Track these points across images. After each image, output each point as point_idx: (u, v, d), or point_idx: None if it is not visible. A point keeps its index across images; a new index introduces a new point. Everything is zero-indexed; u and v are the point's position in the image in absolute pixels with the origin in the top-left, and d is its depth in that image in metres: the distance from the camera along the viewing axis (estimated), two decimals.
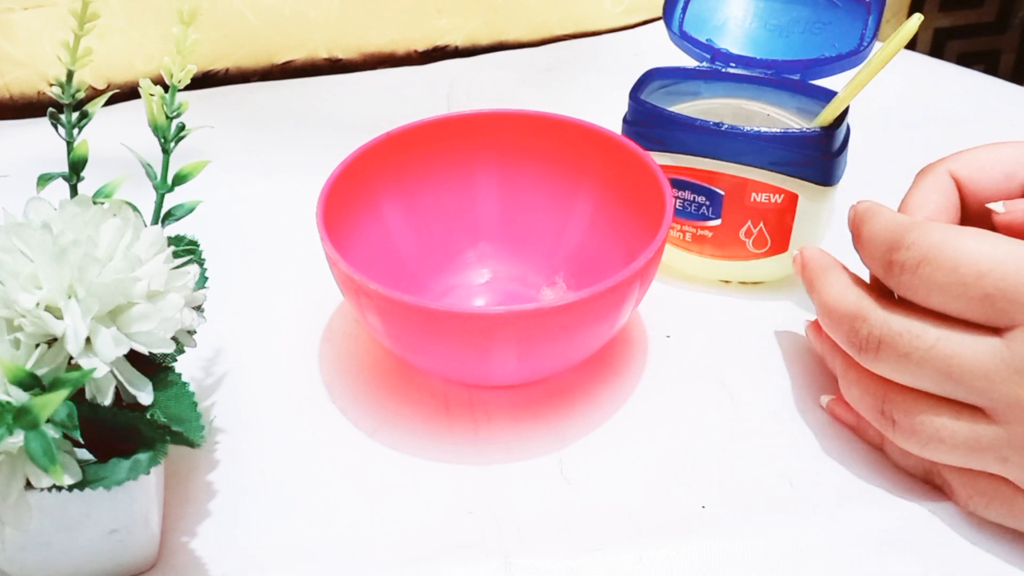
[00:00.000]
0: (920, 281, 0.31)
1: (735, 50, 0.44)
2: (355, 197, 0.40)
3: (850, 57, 0.42)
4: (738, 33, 0.44)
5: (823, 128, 0.39)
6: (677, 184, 0.42)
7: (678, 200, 0.42)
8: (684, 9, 0.45)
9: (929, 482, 0.34)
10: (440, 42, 0.66)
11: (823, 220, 0.42)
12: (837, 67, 0.42)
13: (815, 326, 0.38)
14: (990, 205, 0.35)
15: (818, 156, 0.39)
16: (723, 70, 0.44)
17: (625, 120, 0.43)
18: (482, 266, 0.45)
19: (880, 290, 0.34)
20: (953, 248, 0.30)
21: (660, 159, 0.41)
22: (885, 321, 0.32)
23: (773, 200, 0.40)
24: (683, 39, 0.45)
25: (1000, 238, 0.30)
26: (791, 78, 0.43)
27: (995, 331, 0.30)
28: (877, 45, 0.40)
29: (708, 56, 0.44)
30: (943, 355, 0.30)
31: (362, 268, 0.35)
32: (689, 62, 0.45)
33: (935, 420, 0.31)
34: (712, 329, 0.42)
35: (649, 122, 0.41)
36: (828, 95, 0.40)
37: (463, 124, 0.43)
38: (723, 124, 0.40)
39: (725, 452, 0.36)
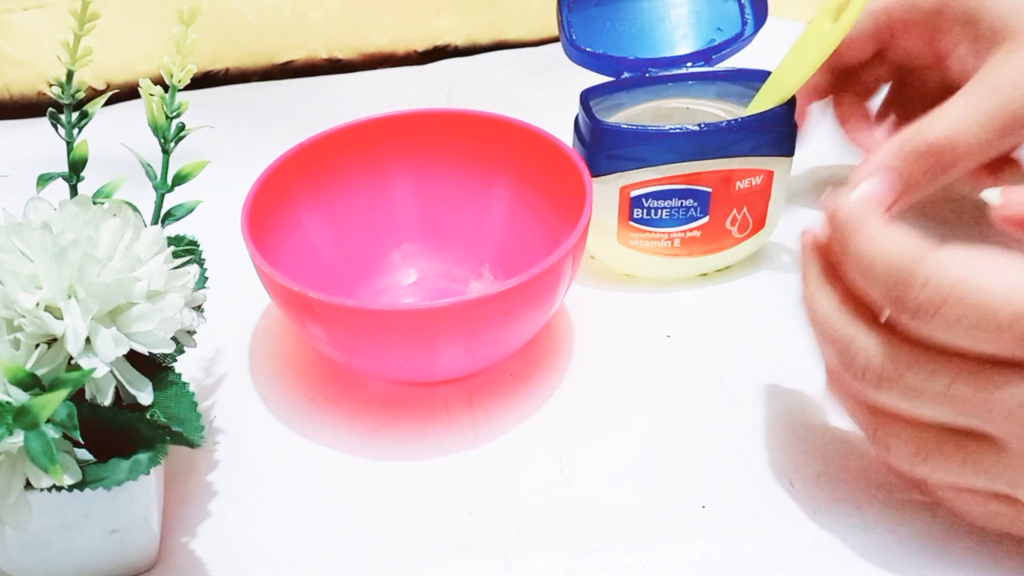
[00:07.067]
0: (941, 325, 0.27)
1: (637, 55, 0.44)
2: (275, 211, 0.40)
3: (739, 40, 0.44)
4: (631, 39, 0.44)
5: (787, 102, 0.40)
6: (662, 195, 0.41)
7: (664, 211, 0.42)
8: (570, 30, 0.43)
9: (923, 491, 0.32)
10: (440, 42, 0.66)
11: (786, 188, 0.43)
12: (730, 51, 0.44)
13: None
14: (985, 196, 0.32)
15: (789, 129, 0.41)
16: (646, 75, 0.44)
17: (586, 144, 0.41)
18: (408, 267, 0.45)
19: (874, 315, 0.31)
20: (979, 286, 0.26)
21: (643, 175, 0.41)
22: (886, 356, 0.28)
23: (754, 183, 0.42)
24: (588, 58, 0.44)
25: None
26: (708, 70, 0.44)
27: (1015, 366, 0.27)
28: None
29: (619, 68, 0.44)
30: (960, 396, 0.27)
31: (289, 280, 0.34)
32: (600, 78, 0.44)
33: (938, 454, 0.29)
34: (712, 328, 0.42)
35: (624, 143, 0.40)
36: (745, 75, 0.43)
37: (373, 128, 0.43)
38: (703, 124, 0.40)
39: (725, 452, 0.36)
